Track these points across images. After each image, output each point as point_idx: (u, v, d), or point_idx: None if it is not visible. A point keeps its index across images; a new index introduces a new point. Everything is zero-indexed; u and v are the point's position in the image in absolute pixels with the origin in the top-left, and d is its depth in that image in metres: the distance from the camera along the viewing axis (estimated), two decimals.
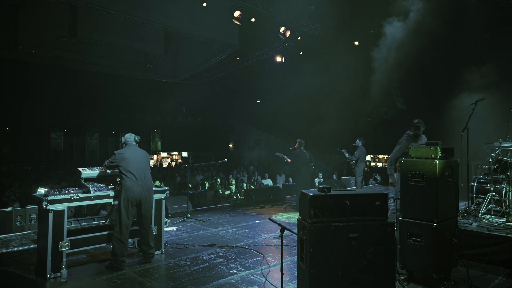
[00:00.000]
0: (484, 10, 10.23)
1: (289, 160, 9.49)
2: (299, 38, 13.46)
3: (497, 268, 4.90)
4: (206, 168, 16.00)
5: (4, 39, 12.66)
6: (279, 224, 3.83)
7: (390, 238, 3.66)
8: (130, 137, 5.39)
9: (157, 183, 10.88)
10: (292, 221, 8.08)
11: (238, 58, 16.99)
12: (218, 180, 12.84)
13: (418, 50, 12.15)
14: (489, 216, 6.00)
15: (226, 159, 10.35)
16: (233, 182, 13.10)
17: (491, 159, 6.28)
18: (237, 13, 10.86)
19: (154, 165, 22.17)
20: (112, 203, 5.45)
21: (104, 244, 5.32)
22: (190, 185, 11.91)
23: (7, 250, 5.79)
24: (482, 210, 6.10)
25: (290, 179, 13.82)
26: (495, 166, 6.15)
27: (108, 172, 5.47)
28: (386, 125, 15.39)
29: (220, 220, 8.28)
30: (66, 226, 4.79)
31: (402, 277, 4.52)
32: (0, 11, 11.25)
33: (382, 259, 3.61)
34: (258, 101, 23.91)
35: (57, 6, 10.98)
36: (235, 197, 12.49)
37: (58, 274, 4.63)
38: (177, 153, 25.46)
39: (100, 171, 5.44)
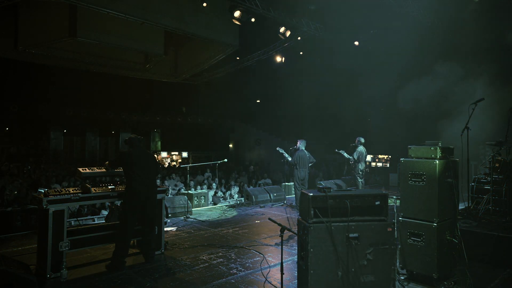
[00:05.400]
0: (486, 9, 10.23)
1: (289, 159, 9.49)
2: (299, 38, 13.45)
3: (497, 268, 4.90)
4: (206, 168, 16.01)
5: (4, 39, 12.64)
6: (279, 224, 3.83)
7: (390, 238, 3.66)
8: (134, 138, 5.39)
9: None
10: (292, 221, 8.08)
11: (238, 58, 16.98)
12: (214, 185, 12.86)
13: (417, 50, 12.15)
14: (488, 216, 6.00)
15: (226, 159, 10.37)
16: (234, 191, 13.11)
17: (491, 159, 6.28)
18: (237, 13, 10.85)
19: None
20: (112, 203, 5.44)
21: (104, 244, 5.32)
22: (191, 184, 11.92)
23: (7, 250, 5.79)
24: (482, 210, 6.10)
25: (291, 178, 13.82)
26: (495, 166, 6.15)
27: (110, 172, 5.47)
28: (386, 125, 15.38)
29: (220, 220, 8.28)
30: (66, 226, 4.79)
31: (402, 277, 4.52)
32: (0, 11, 11.23)
33: (382, 259, 3.62)
34: (258, 101, 23.90)
35: (57, 6, 10.96)
36: (236, 197, 12.50)
37: (58, 274, 4.64)
38: (177, 153, 25.44)
39: (100, 171, 5.44)
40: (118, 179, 5.63)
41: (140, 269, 5.06)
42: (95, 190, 5.12)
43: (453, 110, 8.63)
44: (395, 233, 3.77)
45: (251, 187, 13.81)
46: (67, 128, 21.70)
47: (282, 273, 3.77)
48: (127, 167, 5.16)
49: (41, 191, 4.84)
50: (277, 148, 9.93)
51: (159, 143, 26.20)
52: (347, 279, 3.53)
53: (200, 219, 8.29)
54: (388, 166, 18.70)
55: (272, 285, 4.47)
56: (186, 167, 9.99)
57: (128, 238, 5.07)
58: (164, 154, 25.25)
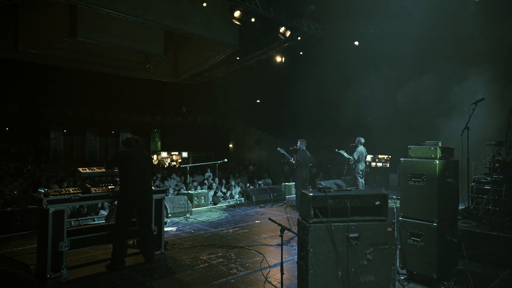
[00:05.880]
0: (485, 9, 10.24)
1: (292, 161, 9.48)
2: (299, 38, 13.45)
3: (497, 268, 4.90)
4: (206, 168, 16.02)
5: (4, 39, 12.65)
6: (279, 224, 3.83)
7: (390, 238, 3.66)
8: (131, 138, 5.39)
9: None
10: (292, 221, 8.08)
11: (238, 58, 16.98)
12: (214, 185, 12.88)
13: (417, 50, 12.16)
14: (488, 216, 6.00)
15: (226, 159, 10.37)
16: (235, 191, 13.12)
17: (491, 159, 6.28)
18: (237, 13, 10.85)
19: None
20: (112, 203, 5.44)
21: (104, 244, 5.32)
22: (190, 184, 11.92)
23: (7, 250, 5.79)
24: (482, 210, 6.10)
25: (291, 178, 13.83)
26: (495, 166, 6.15)
27: (109, 172, 5.46)
28: (386, 125, 15.39)
29: (220, 220, 8.28)
30: (66, 226, 4.79)
31: (402, 277, 4.52)
32: (0, 11, 11.24)
33: (382, 259, 3.62)
34: (258, 101, 23.91)
35: (57, 6, 10.96)
36: (236, 196, 12.50)
37: (58, 274, 4.63)
38: (177, 153, 25.46)
39: (100, 171, 5.44)
40: (118, 179, 5.62)
41: (140, 269, 5.05)
42: (95, 190, 5.12)
43: (453, 109, 8.65)
44: (395, 233, 3.77)
45: (251, 187, 13.81)
46: (67, 128, 21.73)
47: (282, 273, 3.77)
48: (122, 167, 5.15)
49: (41, 191, 4.84)
50: (278, 149, 9.97)
51: (159, 143, 26.21)
52: (347, 279, 3.53)
53: (200, 219, 8.28)
54: (388, 166, 18.70)
55: (272, 285, 4.47)
56: (186, 167, 10.00)
57: (122, 237, 5.05)
58: (164, 154, 25.27)
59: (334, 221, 3.58)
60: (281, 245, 3.76)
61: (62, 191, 4.96)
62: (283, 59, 15.24)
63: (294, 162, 9.43)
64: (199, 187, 12.21)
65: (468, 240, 5.07)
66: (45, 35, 12.10)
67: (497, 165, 6.16)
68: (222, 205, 10.59)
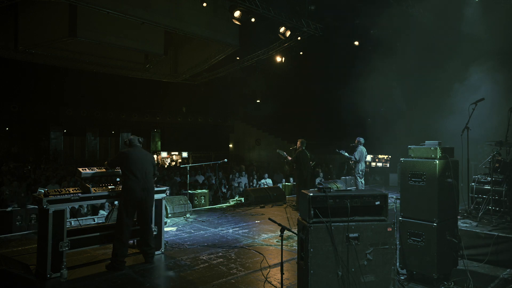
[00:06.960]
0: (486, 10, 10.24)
1: (289, 158, 9.51)
2: (299, 38, 13.46)
3: (497, 268, 4.90)
4: (207, 168, 16.03)
5: (4, 39, 12.66)
6: (279, 224, 3.83)
7: (390, 238, 3.66)
8: (134, 138, 5.39)
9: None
10: (292, 221, 8.08)
11: (238, 58, 17.00)
12: (214, 185, 12.90)
13: (417, 49, 12.16)
14: (489, 216, 6.00)
15: (226, 159, 10.37)
16: (235, 191, 13.11)
17: (491, 159, 6.27)
18: (237, 13, 10.87)
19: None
20: (111, 203, 5.43)
21: (104, 244, 5.32)
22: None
23: (7, 250, 5.79)
24: (482, 210, 6.10)
25: (291, 178, 13.83)
26: (495, 166, 6.15)
27: (109, 172, 5.46)
28: (386, 125, 15.39)
29: (220, 220, 8.28)
30: (66, 226, 4.79)
31: (402, 277, 4.52)
32: (0, 11, 11.25)
33: (382, 259, 3.62)
34: (258, 101, 23.94)
35: (57, 6, 10.99)
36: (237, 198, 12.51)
37: (58, 274, 4.63)
38: (177, 153, 25.46)
39: (100, 171, 5.43)
40: (118, 179, 5.61)
41: (140, 269, 5.05)
42: (95, 190, 5.12)
43: (453, 109, 8.65)
44: (395, 233, 3.77)
45: (251, 187, 13.81)
46: (67, 128, 21.74)
47: (282, 273, 3.77)
48: (124, 167, 5.15)
49: (41, 191, 4.84)
50: (278, 151, 9.92)
51: (159, 143, 26.22)
52: (347, 279, 3.54)
53: (200, 219, 8.28)
54: (388, 166, 18.69)
55: (272, 285, 4.47)
56: (186, 167, 10.00)
57: (124, 237, 5.05)
58: (164, 154, 25.27)
59: (334, 221, 3.58)
60: (281, 245, 3.76)
61: (62, 191, 4.95)
62: (283, 59, 15.25)
63: (291, 159, 9.46)
64: (198, 187, 12.21)
65: (468, 240, 5.08)
66: (45, 35, 12.14)
67: (497, 165, 6.16)
68: (222, 205, 10.59)
